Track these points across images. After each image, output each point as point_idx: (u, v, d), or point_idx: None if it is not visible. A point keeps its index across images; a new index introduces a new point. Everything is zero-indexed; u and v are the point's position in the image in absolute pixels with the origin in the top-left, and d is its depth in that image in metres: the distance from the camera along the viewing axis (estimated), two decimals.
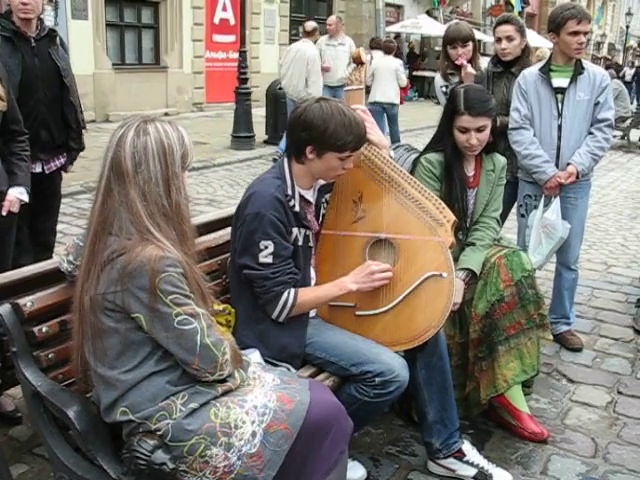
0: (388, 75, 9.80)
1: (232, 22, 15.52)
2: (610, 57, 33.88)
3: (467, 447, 2.67)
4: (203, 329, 1.80)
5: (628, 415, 3.20)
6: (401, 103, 10.64)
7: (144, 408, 1.81)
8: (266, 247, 2.28)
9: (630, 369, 3.69)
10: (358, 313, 2.48)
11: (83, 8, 11.98)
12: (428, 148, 3.04)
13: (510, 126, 3.70)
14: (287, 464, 1.85)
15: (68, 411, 1.86)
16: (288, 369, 2.31)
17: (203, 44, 14.97)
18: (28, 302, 1.96)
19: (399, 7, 22.73)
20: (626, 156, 12.42)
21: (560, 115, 3.61)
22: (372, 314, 2.46)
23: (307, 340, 2.41)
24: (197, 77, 14.92)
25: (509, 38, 3.88)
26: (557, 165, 3.64)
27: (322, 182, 2.52)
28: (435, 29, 20.55)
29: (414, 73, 21.37)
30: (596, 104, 3.59)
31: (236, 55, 11.90)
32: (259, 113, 11.20)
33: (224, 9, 15.53)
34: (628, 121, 12.68)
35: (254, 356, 2.25)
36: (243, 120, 10.37)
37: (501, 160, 3.07)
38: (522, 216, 3.89)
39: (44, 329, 1.99)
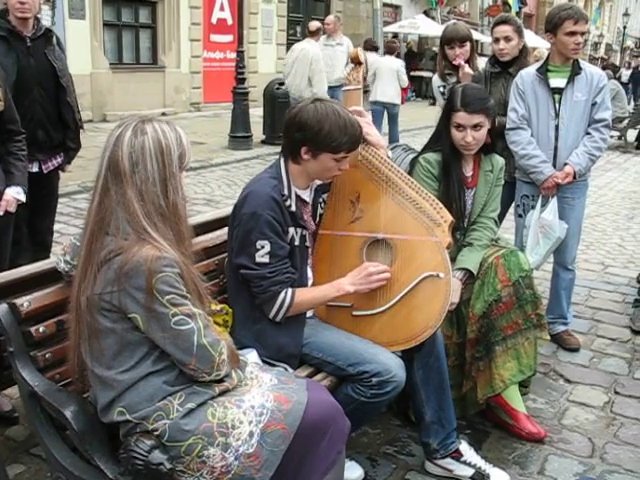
0: (390, 75, 9.89)
1: (230, 22, 15.52)
2: (606, 57, 33.88)
3: (464, 447, 2.67)
4: (200, 329, 1.80)
5: (625, 415, 3.21)
6: (402, 103, 10.68)
7: (141, 408, 1.80)
8: (263, 247, 2.28)
9: (627, 369, 3.70)
10: (355, 313, 2.48)
11: (80, 8, 11.97)
12: (426, 148, 3.05)
13: (507, 126, 3.70)
14: (284, 464, 1.85)
15: (65, 411, 1.85)
16: (285, 369, 2.31)
17: (201, 44, 14.96)
18: (25, 302, 1.96)
19: (397, 7, 22.73)
20: (623, 156, 12.44)
21: (557, 115, 3.62)
22: (369, 314, 2.46)
23: (304, 340, 2.41)
24: (195, 77, 14.91)
25: (507, 38, 3.88)
26: (554, 165, 3.65)
27: (319, 182, 2.52)
28: (433, 29, 20.55)
29: (412, 73, 21.37)
30: (593, 104, 3.60)
31: (234, 55, 11.92)
32: (257, 113, 11.20)
33: (222, 9, 15.52)
34: (625, 121, 12.69)
35: (251, 356, 2.25)
36: (241, 120, 10.37)
37: (499, 161, 3.07)
38: (519, 216, 3.90)
39: (41, 329, 1.99)
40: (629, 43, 42.84)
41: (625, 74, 21.81)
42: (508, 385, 2.86)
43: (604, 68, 14.90)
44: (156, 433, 1.79)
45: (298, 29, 18.59)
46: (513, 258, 2.89)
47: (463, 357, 2.91)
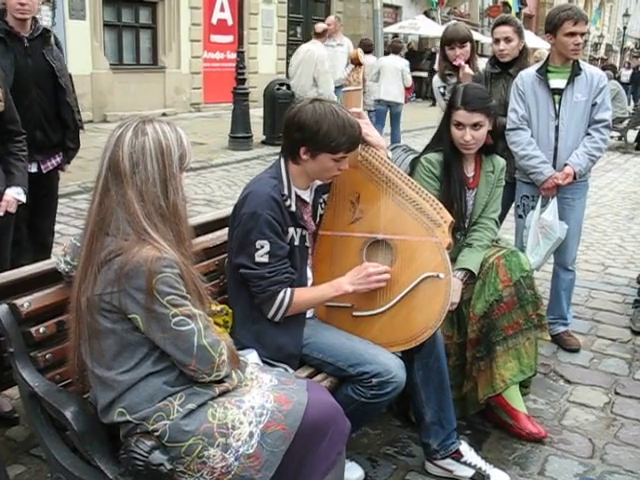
0: (394, 74, 9.97)
1: (230, 22, 15.53)
2: (606, 57, 33.87)
3: (465, 448, 2.67)
4: (200, 330, 1.80)
5: (625, 416, 3.21)
6: (405, 102, 10.75)
7: (141, 409, 1.81)
8: (262, 246, 2.28)
9: (627, 370, 3.70)
10: (355, 314, 2.48)
11: (81, 8, 11.97)
12: (428, 148, 3.05)
13: (508, 127, 3.71)
14: (284, 465, 1.85)
15: (65, 412, 1.85)
16: (286, 369, 2.31)
17: (201, 44, 14.96)
18: (25, 302, 1.96)
19: (397, 8, 22.74)
20: (623, 157, 12.44)
21: (557, 116, 3.62)
22: (369, 315, 2.46)
23: (304, 341, 2.41)
24: (195, 77, 14.92)
25: (507, 39, 3.89)
26: (554, 166, 3.65)
27: (319, 182, 2.52)
28: (433, 30, 20.56)
29: (413, 73, 21.36)
30: (593, 105, 3.60)
31: (234, 55, 11.92)
32: (257, 113, 11.20)
33: (222, 9, 15.52)
34: (625, 122, 12.69)
35: (251, 357, 2.25)
36: (241, 120, 10.38)
37: (500, 162, 3.08)
38: (520, 217, 3.90)
39: (41, 330, 1.99)
40: (629, 44, 42.82)
41: (625, 74, 21.78)
42: (509, 385, 2.86)
43: (603, 69, 14.90)
44: (156, 434, 1.79)
45: (298, 30, 18.59)
46: (514, 258, 2.89)
47: (464, 357, 2.91)
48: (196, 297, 1.84)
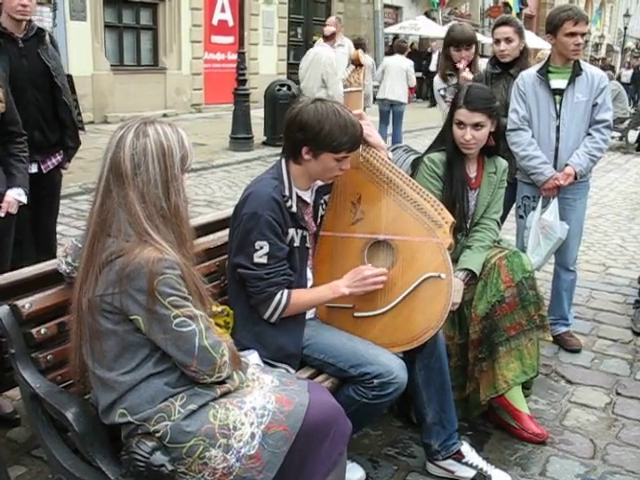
0: (399, 74, 10.05)
1: (231, 23, 15.53)
2: (605, 58, 33.83)
3: (466, 448, 2.67)
4: (201, 331, 1.80)
5: (627, 416, 3.20)
6: (408, 102, 10.82)
7: (143, 410, 1.80)
8: (261, 247, 2.28)
9: (629, 370, 3.69)
10: (356, 314, 2.48)
11: (81, 9, 11.98)
12: (431, 148, 3.05)
13: (508, 127, 3.70)
14: (286, 466, 1.85)
15: (66, 413, 1.85)
16: (287, 370, 2.31)
17: (202, 45, 14.96)
18: (26, 303, 1.96)
19: (397, 8, 22.74)
20: (624, 157, 12.44)
21: (558, 116, 3.62)
22: (370, 315, 2.46)
23: (305, 341, 2.41)
24: (196, 78, 14.92)
25: (508, 40, 3.89)
26: (555, 166, 3.65)
27: (320, 183, 2.52)
28: (433, 31, 20.57)
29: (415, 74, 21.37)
30: (594, 105, 3.60)
31: (235, 56, 11.92)
32: (257, 114, 11.20)
33: (222, 10, 15.52)
34: (626, 122, 12.69)
35: (252, 357, 2.25)
36: (242, 121, 10.38)
37: (503, 163, 3.08)
38: (520, 217, 3.90)
39: (42, 331, 1.99)
40: (630, 44, 42.77)
41: (625, 74, 21.77)
42: (511, 386, 2.86)
43: (602, 69, 14.89)
44: (158, 435, 1.79)
45: (299, 30, 18.59)
46: (516, 259, 2.89)
47: (465, 358, 2.91)
48: (197, 298, 1.84)
